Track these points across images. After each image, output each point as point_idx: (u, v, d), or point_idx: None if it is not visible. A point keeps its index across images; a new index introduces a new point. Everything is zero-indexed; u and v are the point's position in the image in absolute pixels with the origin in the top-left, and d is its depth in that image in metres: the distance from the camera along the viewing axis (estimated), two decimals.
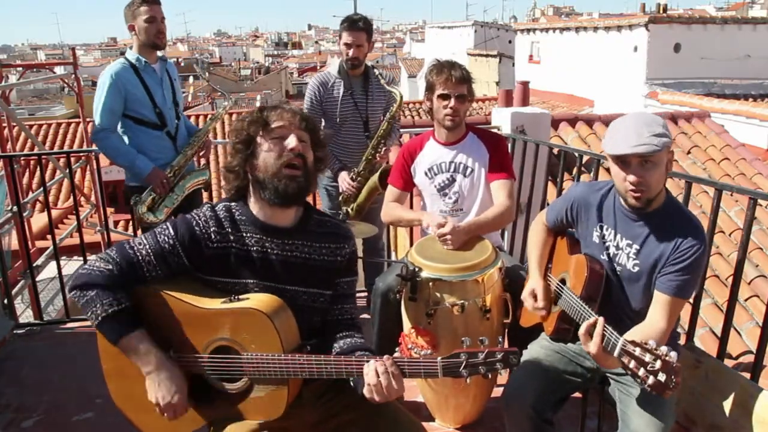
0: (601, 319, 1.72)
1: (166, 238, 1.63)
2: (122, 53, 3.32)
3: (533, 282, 2.13)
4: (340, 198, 3.41)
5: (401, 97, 3.24)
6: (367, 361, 1.52)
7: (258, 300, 1.60)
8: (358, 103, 3.39)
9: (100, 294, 1.56)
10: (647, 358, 1.53)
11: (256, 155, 1.66)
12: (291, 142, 1.64)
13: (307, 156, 1.67)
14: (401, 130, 5.54)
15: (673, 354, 1.51)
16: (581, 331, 1.74)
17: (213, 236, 1.65)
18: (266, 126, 1.65)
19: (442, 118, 2.62)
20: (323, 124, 3.55)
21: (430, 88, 2.62)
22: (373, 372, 1.49)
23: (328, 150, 1.79)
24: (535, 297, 2.09)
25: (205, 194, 3.52)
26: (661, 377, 1.50)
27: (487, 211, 2.59)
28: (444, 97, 2.57)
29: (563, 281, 2.08)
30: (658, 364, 1.51)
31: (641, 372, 1.54)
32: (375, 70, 3.37)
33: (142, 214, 3.14)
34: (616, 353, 1.63)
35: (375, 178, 3.22)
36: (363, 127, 3.39)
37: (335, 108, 3.39)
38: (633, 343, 1.59)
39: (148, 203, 3.13)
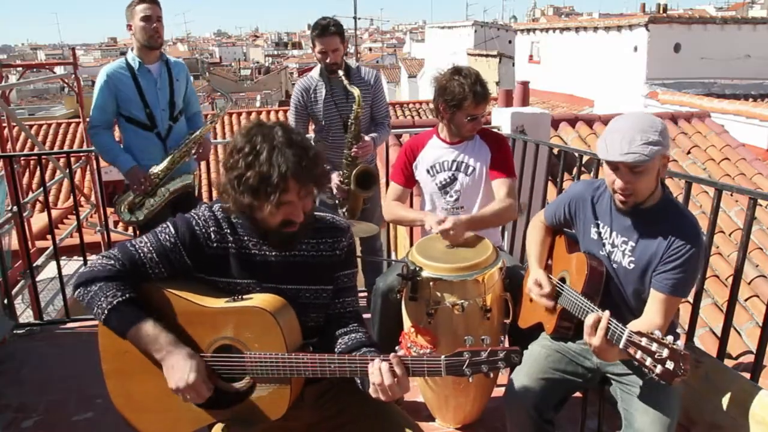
0: (606, 313, 1.72)
1: (167, 236, 1.64)
2: (122, 53, 3.34)
3: (535, 273, 2.14)
4: (336, 201, 3.41)
5: (359, 96, 3.19)
6: (372, 360, 1.52)
7: (262, 299, 1.60)
8: (338, 104, 3.38)
9: (104, 287, 1.55)
10: (654, 347, 1.54)
11: (256, 210, 1.58)
12: (297, 218, 1.59)
13: (307, 208, 1.62)
14: (400, 130, 5.53)
15: (680, 342, 1.52)
16: (587, 322, 1.74)
17: (212, 236, 1.65)
18: (274, 199, 1.52)
19: (465, 131, 2.65)
20: (312, 127, 3.57)
21: (456, 104, 2.55)
22: (377, 371, 1.49)
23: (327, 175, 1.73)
24: (539, 285, 2.09)
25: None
26: (669, 365, 1.51)
27: (487, 207, 2.61)
28: (472, 118, 2.59)
29: (563, 280, 2.08)
30: (665, 352, 1.52)
31: (648, 362, 1.55)
32: (340, 72, 3.25)
33: (120, 213, 3.17)
34: (621, 345, 1.64)
35: (353, 185, 3.20)
36: (344, 128, 3.33)
37: (319, 111, 3.40)
38: (638, 333, 1.60)
39: (129, 202, 3.14)
